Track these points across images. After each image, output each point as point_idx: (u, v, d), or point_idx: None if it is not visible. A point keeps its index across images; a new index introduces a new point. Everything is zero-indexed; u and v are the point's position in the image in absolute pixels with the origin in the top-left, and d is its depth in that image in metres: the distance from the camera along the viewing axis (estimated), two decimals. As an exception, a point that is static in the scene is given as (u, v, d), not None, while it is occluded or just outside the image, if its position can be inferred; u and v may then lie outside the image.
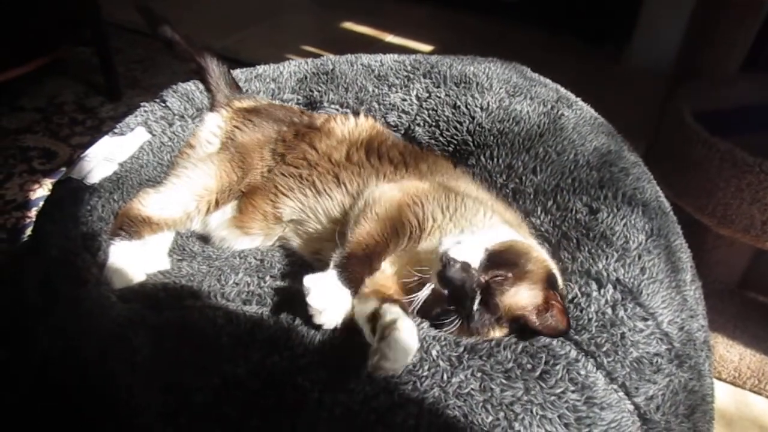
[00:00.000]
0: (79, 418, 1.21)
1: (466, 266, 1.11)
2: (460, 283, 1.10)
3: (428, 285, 1.14)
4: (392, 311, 1.09)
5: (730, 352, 1.95)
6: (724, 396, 1.90)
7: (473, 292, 1.11)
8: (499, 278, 1.12)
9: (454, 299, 1.12)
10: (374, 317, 1.10)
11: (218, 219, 1.54)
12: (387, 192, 1.34)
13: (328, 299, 1.11)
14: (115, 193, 1.53)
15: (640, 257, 1.32)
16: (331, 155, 1.52)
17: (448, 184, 1.41)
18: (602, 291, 1.23)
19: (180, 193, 1.47)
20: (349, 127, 1.63)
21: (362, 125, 1.64)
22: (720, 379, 1.94)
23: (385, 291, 1.20)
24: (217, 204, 1.50)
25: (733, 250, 2.05)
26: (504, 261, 1.14)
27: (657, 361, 1.16)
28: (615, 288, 1.24)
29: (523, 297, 1.13)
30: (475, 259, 1.12)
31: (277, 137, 1.60)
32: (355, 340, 1.12)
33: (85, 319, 1.19)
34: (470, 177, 1.56)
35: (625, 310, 1.21)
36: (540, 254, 1.23)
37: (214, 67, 1.80)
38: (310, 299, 1.10)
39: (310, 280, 1.12)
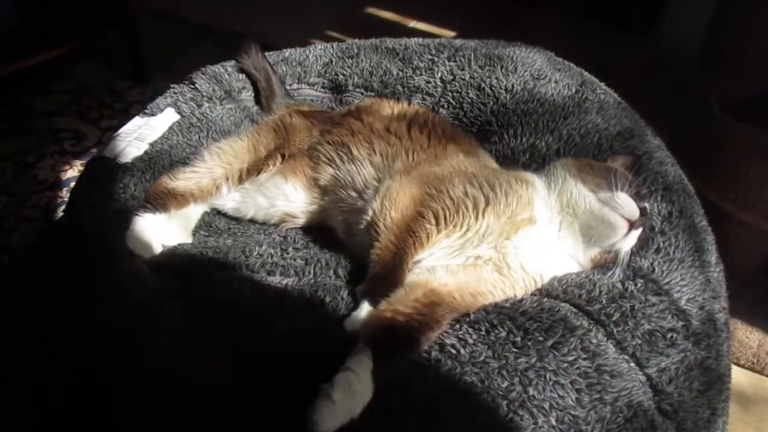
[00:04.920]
0: (113, 388, 1.26)
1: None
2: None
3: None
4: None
5: (749, 338, 1.95)
6: (742, 380, 1.91)
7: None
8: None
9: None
10: None
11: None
12: (400, 189, 1.29)
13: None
14: (147, 172, 1.56)
15: (652, 240, 1.35)
16: (372, 125, 1.53)
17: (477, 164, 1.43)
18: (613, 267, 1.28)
19: (208, 162, 1.49)
20: (400, 107, 1.65)
21: (411, 107, 1.67)
22: (738, 364, 1.95)
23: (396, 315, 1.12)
24: (249, 173, 1.50)
25: (756, 237, 2.04)
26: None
27: (672, 336, 1.19)
28: (627, 267, 1.28)
29: None
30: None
31: (328, 121, 1.63)
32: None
33: (119, 290, 1.24)
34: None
35: (635, 285, 1.25)
36: None
37: (271, 74, 1.85)
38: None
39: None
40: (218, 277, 1.23)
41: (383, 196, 1.29)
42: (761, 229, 1.91)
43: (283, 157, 1.54)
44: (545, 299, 1.23)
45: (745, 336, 1.96)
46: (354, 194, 1.42)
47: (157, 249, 1.35)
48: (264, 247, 1.31)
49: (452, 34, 3.51)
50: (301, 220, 1.53)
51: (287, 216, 1.53)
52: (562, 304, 1.21)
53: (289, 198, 1.52)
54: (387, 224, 1.24)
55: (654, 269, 1.30)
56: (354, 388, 0.99)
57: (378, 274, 1.19)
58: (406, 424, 1.02)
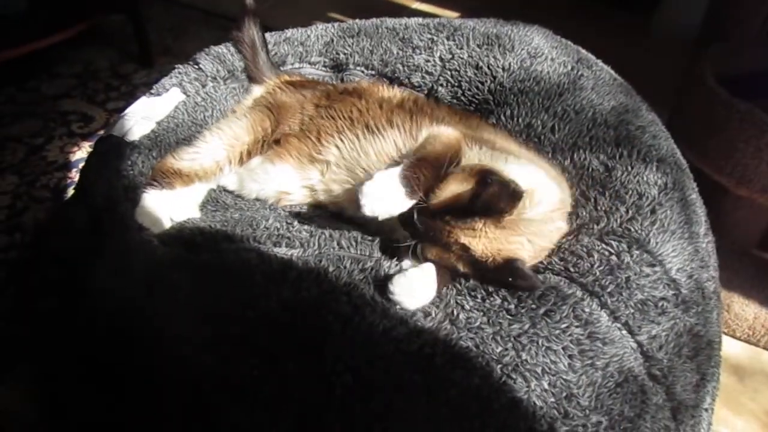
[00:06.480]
0: (123, 356, 1.31)
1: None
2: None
3: None
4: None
5: (745, 311, 1.99)
6: (738, 352, 1.96)
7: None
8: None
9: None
10: None
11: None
12: (445, 130, 1.38)
13: (382, 192, 1.19)
14: (154, 150, 1.60)
15: (653, 211, 1.38)
16: (381, 103, 1.57)
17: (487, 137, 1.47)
18: (608, 241, 1.31)
19: (210, 144, 1.54)
20: (395, 91, 1.70)
21: (405, 92, 1.71)
22: (734, 336, 1.99)
23: None
24: (250, 154, 1.55)
25: (752, 212, 2.06)
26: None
27: (662, 305, 1.23)
28: (622, 238, 1.31)
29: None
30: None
31: (321, 95, 1.66)
32: (375, 281, 1.21)
33: (129, 259, 1.29)
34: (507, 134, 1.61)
35: (631, 257, 1.28)
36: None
37: (258, 47, 1.87)
38: (364, 189, 1.18)
39: (372, 177, 1.19)
40: (226, 247, 1.27)
41: (430, 132, 1.38)
42: (757, 203, 1.93)
43: (276, 141, 1.59)
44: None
45: (742, 309, 2.00)
46: (377, 160, 1.46)
47: (167, 223, 1.40)
48: (270, 221, 1.35)
49: (455, 15, 3.52)
50: (297, 197, 1.57)
51: (282, 194, 1.58)
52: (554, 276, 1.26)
53: (278, 181, 1.56)
54: (437, 142, 1.32)
55: (649, 240, 1.33)
56: (423, 276, 1.18)
57: (427, 158, 1.26)
58: (405, 383, 1.07)
